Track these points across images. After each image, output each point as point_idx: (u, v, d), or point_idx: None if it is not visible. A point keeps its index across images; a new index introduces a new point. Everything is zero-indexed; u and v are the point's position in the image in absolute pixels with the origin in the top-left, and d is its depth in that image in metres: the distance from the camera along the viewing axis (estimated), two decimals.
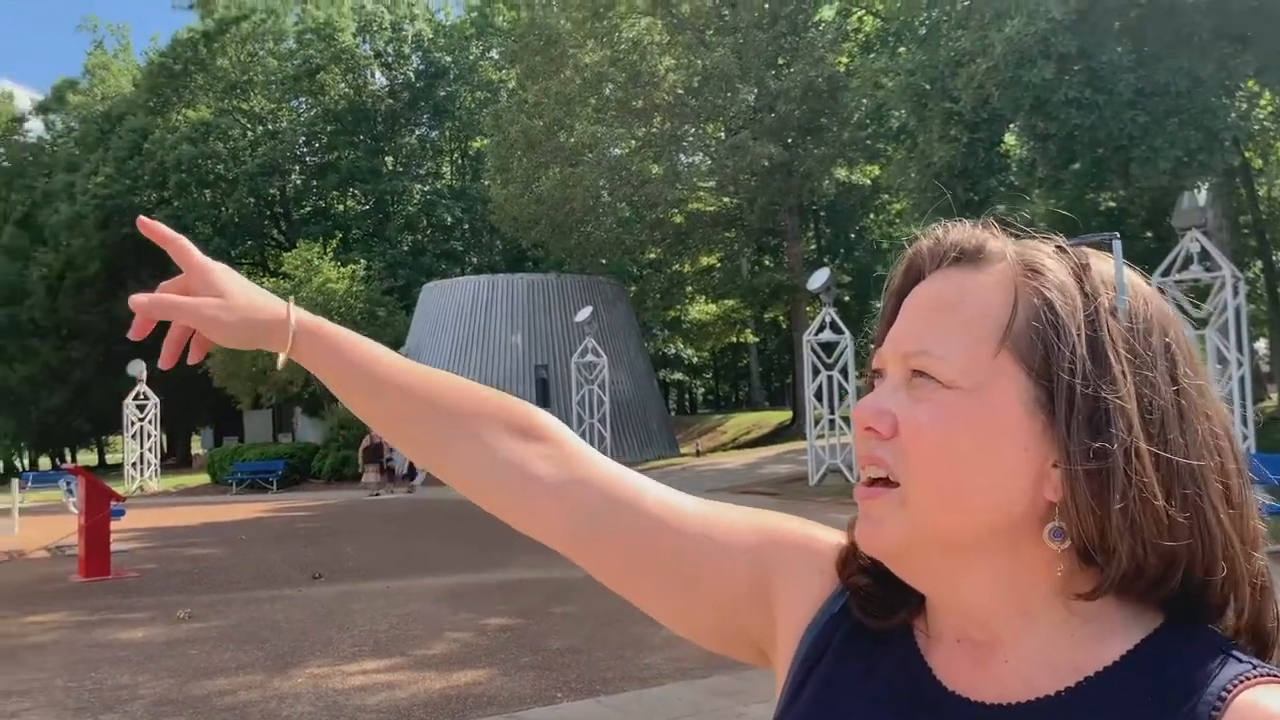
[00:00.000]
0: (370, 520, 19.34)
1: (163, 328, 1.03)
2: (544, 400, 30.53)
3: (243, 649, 8.22)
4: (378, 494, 25.07)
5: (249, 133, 45.89)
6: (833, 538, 0.87)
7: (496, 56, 46.51)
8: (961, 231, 0.77)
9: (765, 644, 0.88)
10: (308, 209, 47.37)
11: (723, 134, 34.18)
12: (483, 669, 7.32)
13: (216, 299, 0.98)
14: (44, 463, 56.27)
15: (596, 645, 7.92)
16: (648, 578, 0.91)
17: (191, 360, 1.06)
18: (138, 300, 0.97)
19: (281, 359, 1.01)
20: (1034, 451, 0.70)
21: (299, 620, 9.41)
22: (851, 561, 0.82)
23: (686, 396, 65.83)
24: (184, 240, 1.01)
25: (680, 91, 33.92)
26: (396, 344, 32.56)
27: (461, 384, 0.99)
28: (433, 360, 31.26)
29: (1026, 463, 0.70)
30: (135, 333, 1.02)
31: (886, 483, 0.73)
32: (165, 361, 1.03)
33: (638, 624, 8.08)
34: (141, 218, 1.05)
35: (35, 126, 55.17)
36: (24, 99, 62.78)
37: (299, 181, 47.36)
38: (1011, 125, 22.00)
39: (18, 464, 56.28)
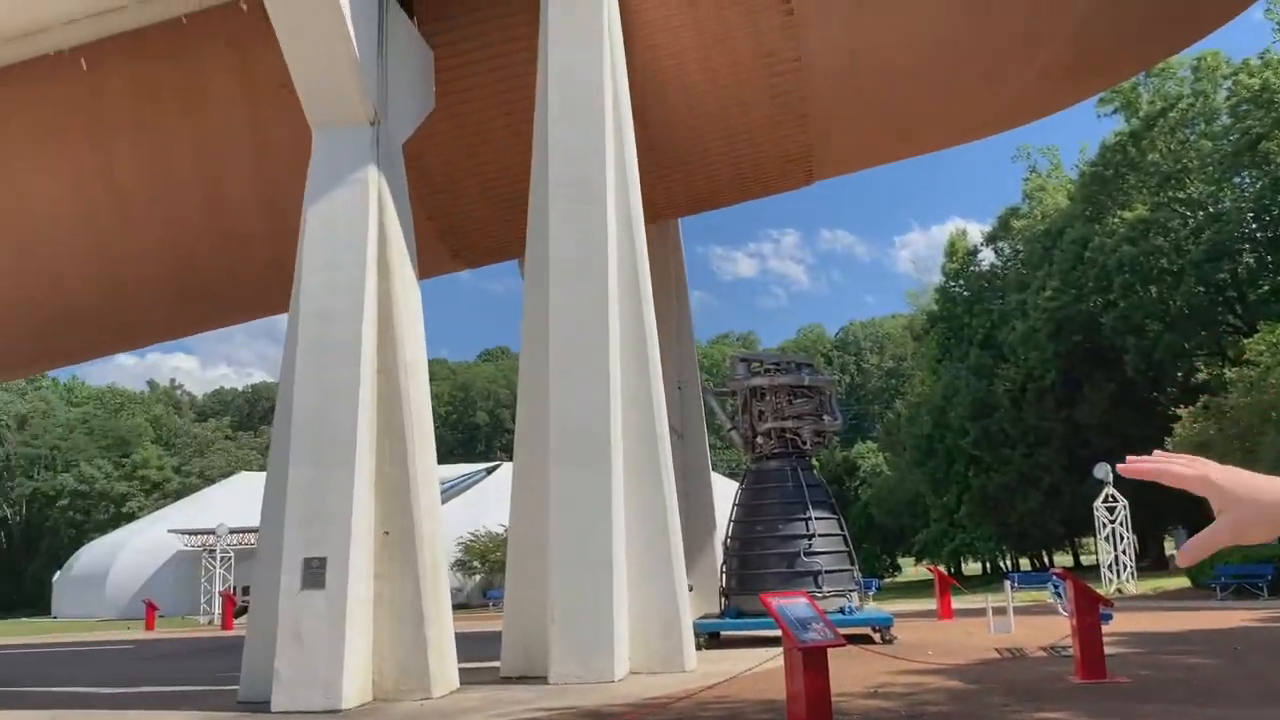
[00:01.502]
0: None
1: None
2: None
3: None
4: None
5: (1189, 220, 44.37)
6: None
7: None
8: None
9: None
10: (1265, 288, 43.55)
11: None
12: None
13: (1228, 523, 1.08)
14: (1024, 564, 59.87)
15: None
16: None
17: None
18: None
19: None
20: None
21: None
22: None
23: None
24: (1181, 471, 1.12)
25: None
26: None
27: None
28: None
29: None
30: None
31: None
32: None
33: None
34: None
35: (986, 255, 61.23)
36: (975, 233, 70.26)
37: (1251, 261, 43.93)
38: None
39: (1001, 565, 60.81)
